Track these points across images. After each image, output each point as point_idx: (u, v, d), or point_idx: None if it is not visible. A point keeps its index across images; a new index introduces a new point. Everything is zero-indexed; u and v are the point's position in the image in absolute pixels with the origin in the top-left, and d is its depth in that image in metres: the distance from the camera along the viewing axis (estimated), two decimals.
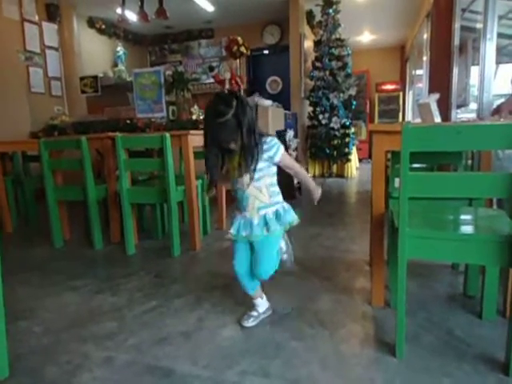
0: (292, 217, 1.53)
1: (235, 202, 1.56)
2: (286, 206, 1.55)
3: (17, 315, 1.77)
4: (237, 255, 1.59)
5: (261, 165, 1.43)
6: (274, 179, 1.52)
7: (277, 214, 1.50)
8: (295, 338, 1.50)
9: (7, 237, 3.31)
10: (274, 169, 1.52)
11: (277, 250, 1.56)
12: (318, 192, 1.60)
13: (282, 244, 1.62)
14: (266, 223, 1.48)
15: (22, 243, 3.06)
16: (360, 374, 1.29)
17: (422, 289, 1.91)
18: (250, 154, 1.38)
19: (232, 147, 1.39)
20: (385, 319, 1.63)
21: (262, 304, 1.66)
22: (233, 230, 1.52)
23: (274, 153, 1.45)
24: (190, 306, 1.82)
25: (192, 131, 2.63)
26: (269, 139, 1.45)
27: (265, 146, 1.43)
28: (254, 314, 1.64)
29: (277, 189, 1.53)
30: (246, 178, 1.43)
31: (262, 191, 1.48)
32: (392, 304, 1.71)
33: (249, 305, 1.67)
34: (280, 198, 1.54)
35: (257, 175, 1.44)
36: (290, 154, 4.94)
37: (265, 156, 1.44)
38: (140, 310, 1.80)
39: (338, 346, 1.45)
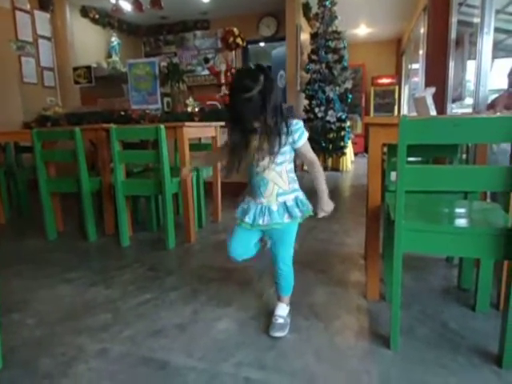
0: (309, 207, 1.45)
1: (247, 188, 1.48)
2: (302, 194, 1.47)
3: (10, 307, 1.76)
4: (237, 242, 1.51)
5: (284, 148, 1.35)
6: (293, 165, 1.45)
7: (297, 201, 1.42)
8: (290, 330, 1.50)
9: (0, 229, 3.27)
10: (293, 155, 1.43)
11: (294, 238, 1.49)
12: (329, 205, 1.44)
13: None
14: (286, 210, 1.40)
15: (14, 235, 3.03)
16: (355, 365, 1.29)
17: (416, 282, 1.92)
18: (275, 135, 1.31)
19: (256, 126, 1.31)
20: (379, 312, 1.63)
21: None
22: (248, 219, 1.42)
23: (298, 136, 1.36)
24: (184, 298, 1.82)
25: (187, 123, 2.61)
26: (294, 122, 1.37)
27: (290, 129, 1.35)
28: (281, 321, 1.52)
29: (295, 175, 1.45)
30: (267, 161, 1.35)
31: (282, 176, 1.40)
32: (387, 297, 1.72)
33: (245, 298, 1.67)
34: (297, 185, 1.46)
35: (279, 159, 1.36)
36: None
37: (289, 139, 1.36)
38: (135, 302, 1.79)
39: (333, 338, 1.45)
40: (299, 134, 1.37)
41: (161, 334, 1.51)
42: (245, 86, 1.26)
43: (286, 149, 1.37)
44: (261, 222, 1.40)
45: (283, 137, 1.33)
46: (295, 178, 1.45)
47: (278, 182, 1.40)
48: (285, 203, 1.41)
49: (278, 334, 1.46)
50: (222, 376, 1.25)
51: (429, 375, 1.22)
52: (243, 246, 1.53)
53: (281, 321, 1.51)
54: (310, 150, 1.44)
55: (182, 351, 1.39)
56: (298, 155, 1.44)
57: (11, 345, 1.45)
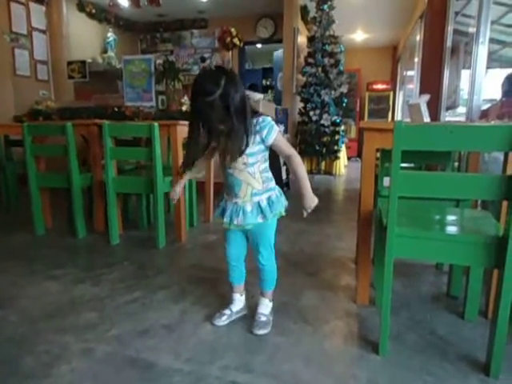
0: (282, 205, 1.44)
1: (224, 188, 1.49)
2: (279, 192, 1.46)
3: None
4: (230, 244, 1.54)
5: (254, 148, 1.34)
6: (267, 164, 1.44)
7: (270, 201, 1.41)
8: (279, 333, 1.49)
9: None
10: (267, 154, 1.42)
11: (273, 234, 1.49)
12: (313, 200, 1.39)
13: None
14: (260, 211, 1.40)
15: (2, 230, 2.98)
16: (343, 370, 1.28)
17: (406, 288, 1.92)
18: (240, 137, 1.28)
19: (221, 128, 1.30)
20: (369, 317, 1.63)
21: (239, 302, 1.63)
22: (226, 219, 1.43)
23: (267, 134, 1.33)
24: (173, 298, 1.79)
25: (181, 121, 2.59)
26: (261, 119, 1.33)
27: (257, 127, 1.32)
28: (227, 312, 1.59)
29: (270, 174, 1.44)
30: (239, 162, 1.35)
31: (255, 177, 1.39)
32: (377, 302, 1.71)
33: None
34: (273, 183, 1.45)
35: (250, 160, 1.35)
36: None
37: (257, 138, 1.33)
38: (122, 300, 1.77)
39: (321, 342, 1.44)
40: (267, 130, 1.33)
41: (148, 334, 1.49)
42: (205, 90, 1.23)
43: (257, 149, 1.35)
44: (235, 222, 1.42)
45: (251, 137, 1.31)
46: (270, 177, 1.44)
47: (252, 182, 1.39)
48: (259, 203, 1.40)
49: (260, 332, 1.48)
50: (208, 378, 1.23)
51: (416, 382, 1.22)
52: (236, 247, 1.55)
53: (263, 319, 1.53)
54: (286, 144, 1.41)
55: (169, 352, 1.37)
56: (275, 151, 1.42)
57: None
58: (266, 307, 1.57)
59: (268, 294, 1.59)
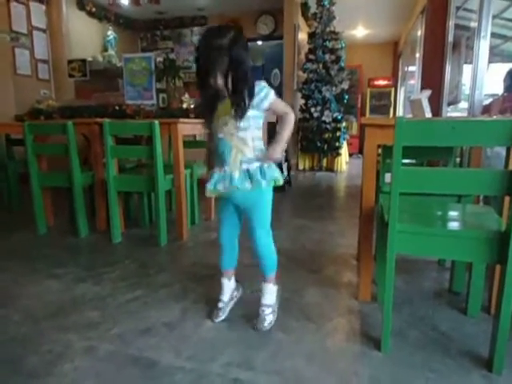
0: (277, 172, 1.39)
1: (215, 161, 1.44)
2: (273, 165, 1.41)
3: None
4: (222, 223, 1.50)
5: (250, 112, 1.31)
6: (260, 133, 1.39)
7: (260, 170, 1.36)
8: (280, 330, 1.49)
9: None
10: (261, 121, 1.39)
11: (268, 210, 1.44)
12: (276, 153, 1.34)
13: None
14: (248, 176, 1.35)
15: (4, 229, 2.98)
16: (345, 367, 1.28)
17: (408, 284, 1.92)
18: (241, 97, 1.28)
19: (220, 86, 1.28)
20: (371, 314, 1.63)
21: (227, 288, 1.60)
22: (209, 185, 1.39)
23: (264, 96, 1.31)
24: (175, 296, 1.79)
25: (182, 119, 2.58)
26: (256, 82, 1.32)
27: (253, 90, 1.30)
28: (220, 305, 1.58)
29: (261, 144, 1.40)
30: (231, 126, 1.33)
31: (246, 143, 1.35)
32: (379, 299, 1.71)
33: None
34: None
35: (243, 124, 1.32)
36: None
37: (255, 101, 1.31)
38: (124, 299, 1.77)
39: (323, 339, 1.44)
40: (264, 93, 1.32)
41: (150, 332, 1.49)
42: (212, 36, 1.25)
43: (252, 113, 1.32)
44: (221, 187, 1.38)
45: (249, 99, 1.30)
46: (263, 148, 1.40)
47: (243, 148, 1.35)
48: (248, 170, 1.36)
49: (265, 326, 1.45)
50: (210, 376, 1.23)
51: (418, 379, 1.21)
52: (228, 226, 1.51)
53: (267, 311, 1.49)
54: (284, 105, 1.39)
55: (171, 350, 1.37)
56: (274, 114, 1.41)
57: None
58: (269, 295, 1.52)
59: (270, 277, 1.53)
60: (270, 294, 1.53)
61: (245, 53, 1.28)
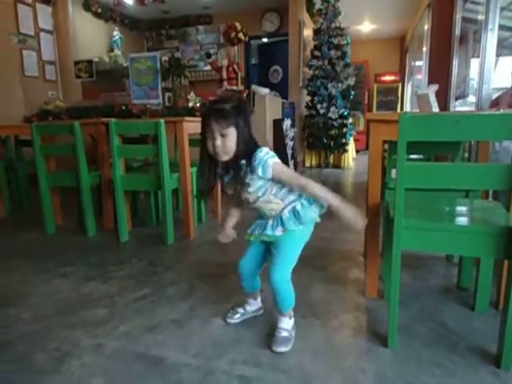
0: (314, 213, 1.34)
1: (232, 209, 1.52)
2: (305, 201, 1.34)
3: (6, 301, 1.75)
4: (245, 254, 1.48)
5: (255, 185, 1.29)
6: (279, 185, 1.33)
7: (294, 212, 1.32)
8: None
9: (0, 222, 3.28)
10: (273, 183, 1.33)
11: (296, 251, 1.38)
12: (351, 212, 1.24)
13: None
14: (281, 223, 1.33)
15: (14, 229, 3.03)
16: (352, 364, 1.28)
17: (415, 280, 1.90)
18: (238, 177, 1.28)
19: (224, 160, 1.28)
20: (378, 310, 1.62)
21: (254, 303, 1.58)
22: (249, 230, 1.42)
23: (262, 172, 1.25)
24: (182, 294, 1.80)
25: (187, 118, 2.59)
26: (255, 155, 1.25)
27: (253, 164, 1.25)
28: (241, 310, 1.55)
29: (286, 189, 1.33)
30: (250, 197, 1.33)
31: (271, 201, 1.33)
32: (385, 295, 1.70)
33: (243, 295, 1.65)
34: (294, 195, 1.34)
35: (260, 192, 1.31)
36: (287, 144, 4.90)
37: (254, 176, 1.26)
38: (131, 297, 1.78)
39: (330, 336, 1.44)
40: (261, 168, 1.25)
41: (157, 329, 1.50)
42: (217, 106, 1.24)
43: (259, 184, 1.29)
44: (256, 232, 1.39)
45: (248, 176, 1.27)
46: (288, 190, 1.33)
47: (271, 206, 1.34)
48: (281, 216, 1.34)
49: (281, 349, 1.34)
50: (216, 373, 1.23)
51: (426, 375, 1.21)
52: (249, 260, 1.47)
53: (285, 334, 1.39)
54: (287, 173, 1.30)
55: (178, 347, 1.38)
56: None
57: (6, 339, 1.45)
58: (286, 323, 1.43)
59: (285, 314, 1.43)
60: (286, 322, 1.43)
61: (247, 124, 1.26)
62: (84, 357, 1.33)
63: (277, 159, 1.28)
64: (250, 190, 1.30)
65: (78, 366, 1.28)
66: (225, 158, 1.27)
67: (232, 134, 1.23)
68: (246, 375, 1.22)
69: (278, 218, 1.34)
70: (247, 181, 1.28)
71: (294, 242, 1.37)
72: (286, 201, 1.34)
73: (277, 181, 1.30)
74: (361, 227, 1.27)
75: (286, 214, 1.33)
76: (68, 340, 1.44)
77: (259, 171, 1.25)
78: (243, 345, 1.38)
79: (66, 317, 1.61)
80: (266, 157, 1.25)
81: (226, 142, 1.23)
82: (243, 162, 1.27)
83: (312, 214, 1.34)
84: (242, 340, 1.42)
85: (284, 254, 1.36)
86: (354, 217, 1.24)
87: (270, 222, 1.36)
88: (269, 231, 1.35)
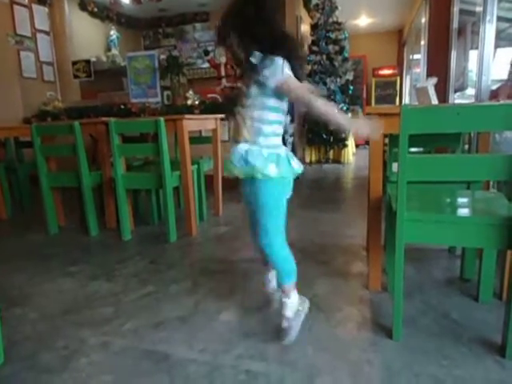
0: (289, 165, 1.24)
1: None
2: (285, 152, 1.25)
3: (12, 302, 1.76)
4: (250, 224, 1.39)
5: (253, 90, 1.19)
6: (269, 116, 1.22)
7: (260, 155, 1.20)
8: None
9: (2, 224, 3.28)
10: (270, 101, 1.21)
11: (274, 209, 1.25)
12: (365, 128, 1.16)
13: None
14: (242, 157, 1.21)
15: (16, 230, 3.03)
16: (357, 356, 1.29)
17: (418, 272, 1.91)
18: (248, 68, 1.18)
19: (227, 43, 1.22)
20: (382, 303, 1.63)
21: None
22: (230, 159, 1.29)
23: (271, 72, 1.12)
24: (186, 291, 1.81)
25: (187, 115, 2.59)
26: (270, 56, 1.14)
27: (262, 64, 1.14)
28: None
29: (267, 129, 1.21)
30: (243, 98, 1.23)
31: (245, 122, 1.21)
32: (389, 288, 1.71)
33: (247, 290, 1.66)
34: (267, 141, 1.22)
35: (246, 101, 1.20)
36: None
37: (264, 74, 1.14)
38: (136, 295, 1.79)
39: (335, 329, 1.45)
40: (270, 70, 1.13)
41: (162, 326, 1.51)
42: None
43: (255, 91, 1.19)
44: (238, 164, 1.26)
45: (253, 73, 1.17)
46: (264, 132, 1.22)
47: (241, 128, 1.22)
48: (246, 152, 1.22)
49: (283, 342, 1.31)
50: (222, 368, 1.24)
51: (431, 366, 1.22)
52: (251, 225, 1.42)
53: (284, 324, 1.33)
54: (296, 85, 1.17)
55: (184, 343, 1.39)
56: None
57: (13, 339, 1.45)
58: (287, 307, 1.34)
59: (285, 287, 1.35)
60: (286, 305, 1.34)
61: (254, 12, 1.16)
62: (92, 355, 1.34)
63: (290, 72, 1.18)
64: (245, 90, 1.22)
65: (86, 364, 1.29)
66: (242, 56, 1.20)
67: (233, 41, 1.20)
68: (252, 369, 1.23)
69: (239, 153, 1.24)
70: (253, 81, 1.19)
71: (270, 191, 1.24)
72: (254, 138, 1.23)
73: (279, 94, 1.20)
74: (376, 138, 1.23)
75: (254, 150, 1.23)
76: (75, 338, 1.45)
77: (266, 73, 1.14)
78: (248, 339, 1.39)
79: (72, 315, 1.62)
80: (279, 62, 1.15)
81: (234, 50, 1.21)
82: (253, 60, 1.17)
83: (284, 165, 1.25)
84: (247, 335, 1.42)
85: (263, 209, 1.25)
86: (370, 131, 1.18)
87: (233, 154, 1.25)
88: (236, 162, 1.23)
